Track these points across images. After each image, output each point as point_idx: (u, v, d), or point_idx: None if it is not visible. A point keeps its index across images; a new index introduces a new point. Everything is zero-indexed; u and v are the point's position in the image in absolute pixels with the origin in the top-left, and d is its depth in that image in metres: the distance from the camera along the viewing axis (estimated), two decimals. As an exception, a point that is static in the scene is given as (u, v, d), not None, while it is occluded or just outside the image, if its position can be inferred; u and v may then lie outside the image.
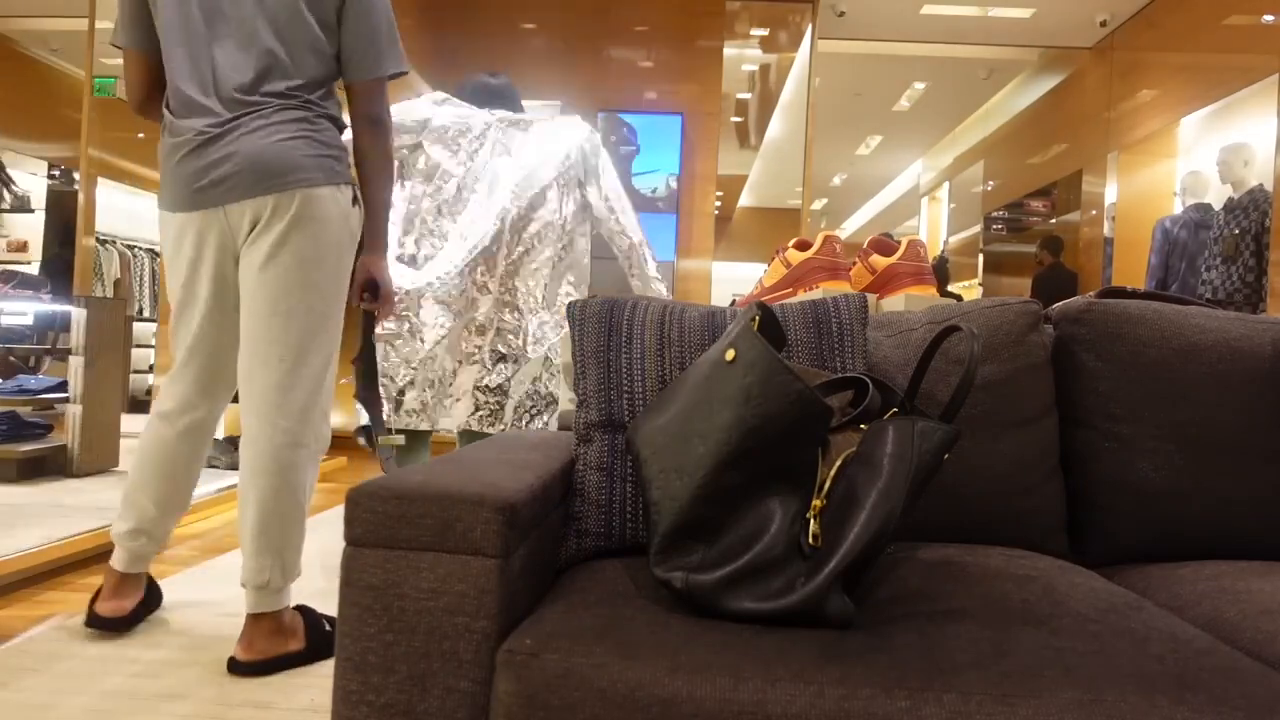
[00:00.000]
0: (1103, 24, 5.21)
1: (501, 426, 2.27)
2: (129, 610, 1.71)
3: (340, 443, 4.89)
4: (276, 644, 1.58)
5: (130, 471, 1.72)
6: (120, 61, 1.65)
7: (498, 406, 2.28)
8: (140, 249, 2.97)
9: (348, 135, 1.70)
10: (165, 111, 1.62)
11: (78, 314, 2.95)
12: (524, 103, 2.42)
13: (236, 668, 1.55)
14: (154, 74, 1.64)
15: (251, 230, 1.56)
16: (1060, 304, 1.31)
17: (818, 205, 10.64)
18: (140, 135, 2.82)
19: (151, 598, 1.80)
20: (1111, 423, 1.20)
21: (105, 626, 1.68)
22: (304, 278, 1.57)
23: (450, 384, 2.30)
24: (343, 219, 1.62)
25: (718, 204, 5.15)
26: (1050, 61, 5.91)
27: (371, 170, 1.69)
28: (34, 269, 2.82)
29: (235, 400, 1.69)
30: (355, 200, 1.66)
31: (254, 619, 1.57)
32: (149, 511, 1.69)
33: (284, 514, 1.56)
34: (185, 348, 1.66)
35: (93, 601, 1.72)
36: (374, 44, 1.63)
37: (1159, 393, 1.19)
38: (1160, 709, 0.67)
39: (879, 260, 1.68)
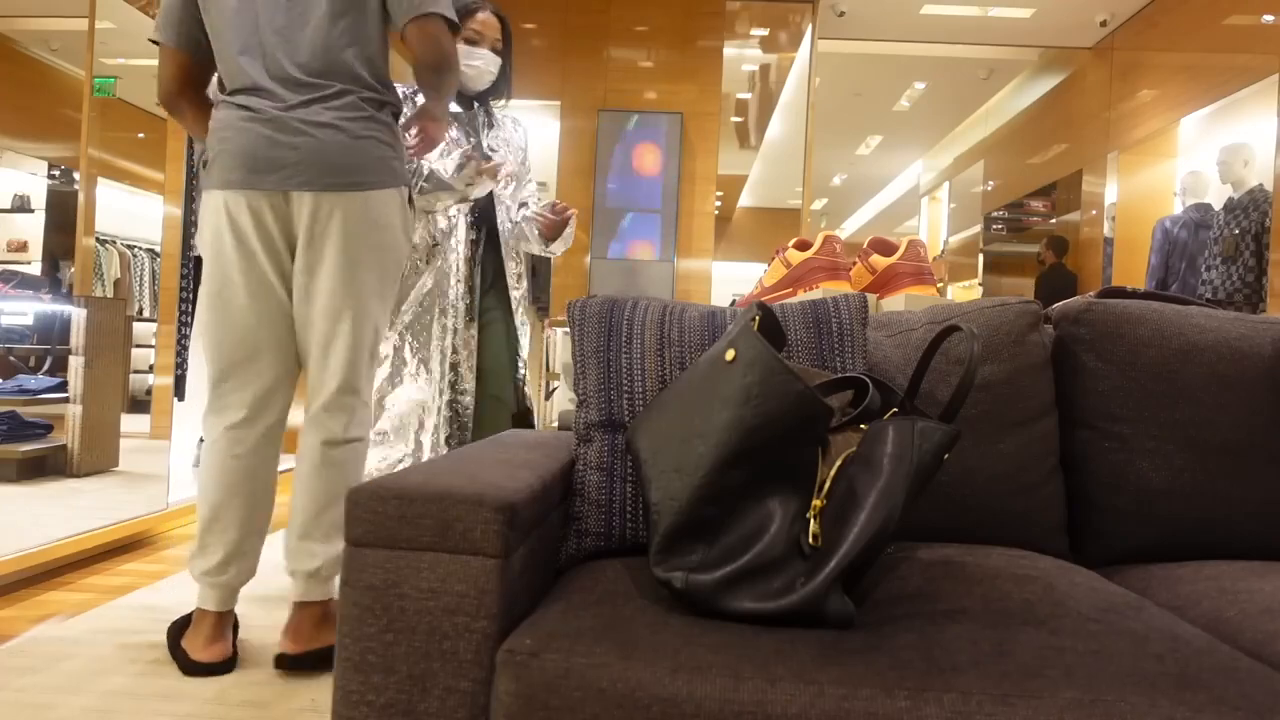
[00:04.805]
0: (1103, 24, 5.21)
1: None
2: (232, 650, 1.59)
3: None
4: (325, 633, 1.55)
5: (202, 502, 1.59)
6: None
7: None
8: (140, 249, 2.98)
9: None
10: (218, 90, 1.59)
11: (78, 314, 2.95)
12: (524, 102, 2.42)
13: (287, 663, 1.52)
14: (189, 73, 1.62)
15: (309, 224, 1.53)
16: (1060, 304, 1.31)
17: (818, 205, 10.63)
18: (140, 135, 2.81)
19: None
20: (1111, 423, 1.20)
21: (214, 672, 1.55)
22: (362, 280, 1.56)
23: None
24: (400, 221, 1.62)
25: (718, 204, 5.15)
26: (1050, 61, 5.91)
27: (434, 98, 1.64)
28: (34, 269, 2.82)
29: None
30: (410, 201, 1.67)
31: (301, 607, 1.56)
32: (235, 539, 1.58)
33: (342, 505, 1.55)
34: (246, 345, 1.57)
35: (178, 648, 1.58)
36: None
37: (1159, 393, 1.19)
38: (1160, 709, 0.67)
39: (879, 260, 1.68)
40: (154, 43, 1.63)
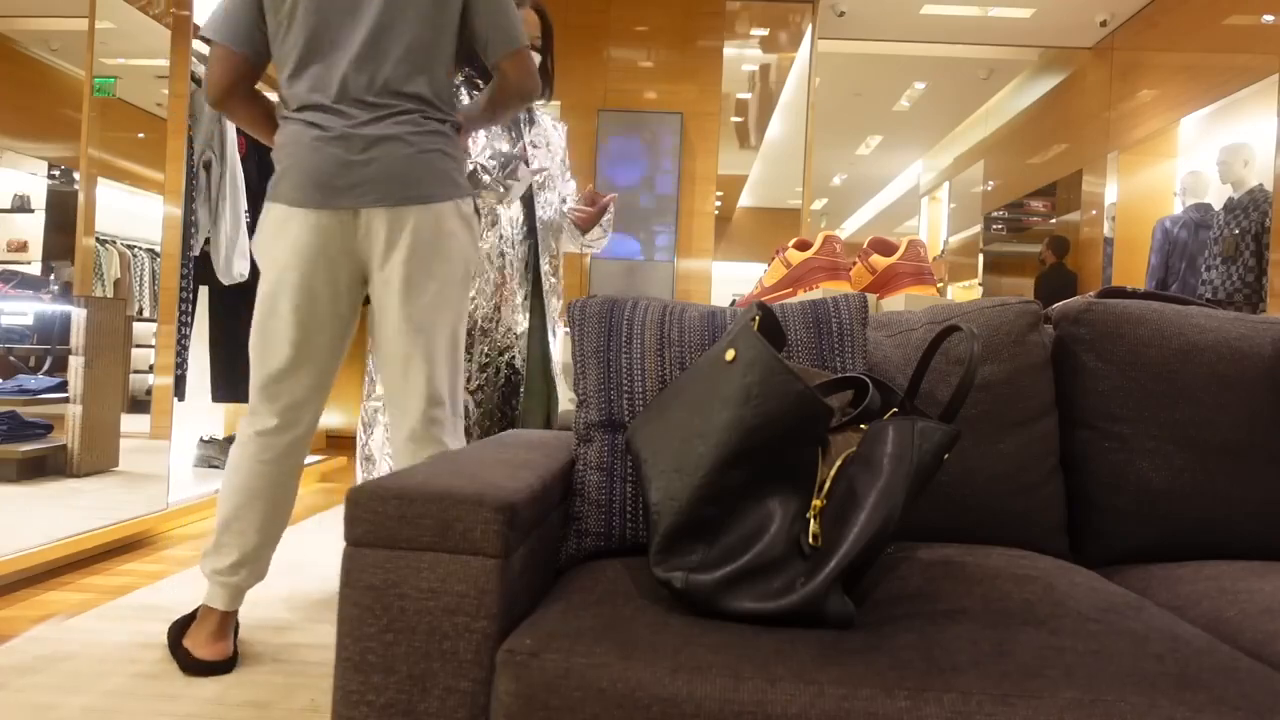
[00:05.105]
0: (1103, 24, 5.21)
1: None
2: (232, 650, 1.61)
3: (340, 443, 4.89)
4: None
5: (223, 501, 1.61)
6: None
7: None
8: (140, 249, 2.98)
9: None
10: (281, 105, 1.59)
11: (78, 314, 2.95)
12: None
13: None
14: (243, 73, 1.61)
15: (383, 240, 1.54)
16: (1060, 304, 1.31)
17: (818, 205, 10.63)
18: (140, 135, 2.82)
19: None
20: (1111, 423, 1.20)
21: (214, 671, 1.57)
22: (438, 293, 1.57)
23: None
24: (469, 231, 1.64)
25: (718, 204, 5.15)
26: (1050, 61, 5.91)
27: (491, 118, 1.74)
28: (34, 269, 2.82)
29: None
30: (477, 210, 1.67)
31: None
32: (251, 541, 1.60)
33: None
34: (287, 357, 1.58)
35: (179, 647, 1.59)
36: (506, 17, 1.62)
37: (1159, 393, 1.19)
38: (1160, 709, 0.67)
39: (879, 260, 1.68)
40: (206, 40, 1.60)
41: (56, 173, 2.74)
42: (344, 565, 0.81)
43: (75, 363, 2.98)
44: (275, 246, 1.56)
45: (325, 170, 1.52)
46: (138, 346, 3.03)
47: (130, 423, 2.98)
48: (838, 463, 0.86)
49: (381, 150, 1.53)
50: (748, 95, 6.62)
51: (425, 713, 0.78)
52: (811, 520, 0.84)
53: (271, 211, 1.57)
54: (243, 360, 3.44)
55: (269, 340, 1.59)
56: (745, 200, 9.63)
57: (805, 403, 0.84)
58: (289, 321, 1.57)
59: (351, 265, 1.58)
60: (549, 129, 2.33)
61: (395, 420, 1.63)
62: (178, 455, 3.41)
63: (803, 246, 1.67)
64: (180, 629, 1.63)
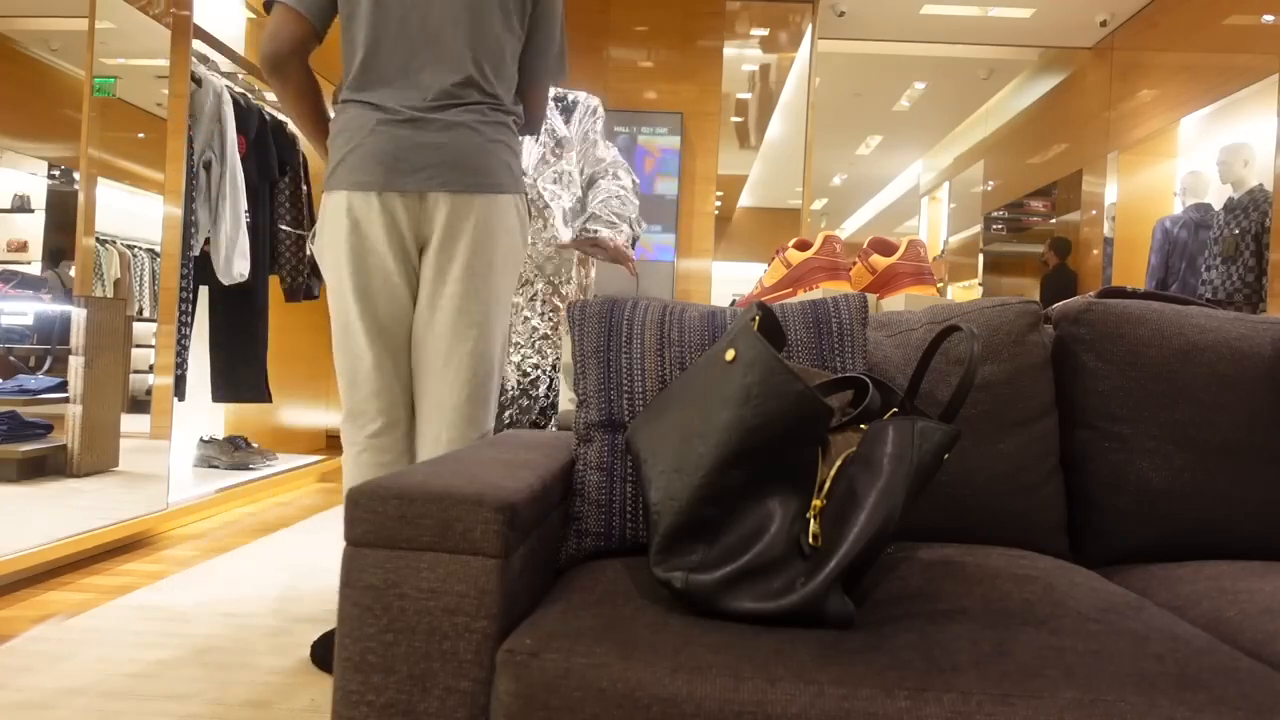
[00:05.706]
0: (1103, 24, 5.22)
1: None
2: None
3: (339, 443, 4.89)
4: None
5: None
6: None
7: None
8: (140, 249, 2.98)
9: None
10: (347, 88, 1.56)
11: (78, 314, 2.95)
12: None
13: None
14: (306, 41, 1.55)
15: (445, 225, 1.51)
16: (1060, 304, 1.31)
17: (818, 205, 10.64)
18: (140, 135, 2.82)
19: None
20: (1111, 423, 1.20)
21: None
22: (494, 287, 1.56)
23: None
24: (522, 228, 1.63)
25: (718, 204, 5.15)
26: (1050, 61, 5.91)
27: None
28: (34, 269, 2.82)
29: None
30: (529, 210, 1.67)
31: None
32: None
33: None
34: (376, 354, 1.56)
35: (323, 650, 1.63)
36: (551, 50, 1.64)
37: (1159, 393, 1.19)
38: (1160, 709, 0.67)
39: (879, 260, 1.68)
40: (267, 6, 1.56)
41: (56, 173, 2.74)
42: (344, 565, 0.81)
43: (75, 363, 2.98)
44: (339, 237, 1.52)
45: (390, 151, 1.49)
46: (138, 346, 3.03)
47: (130, 423, 2.98)
48: (838, 463, 0.86)
49: (450, 136, 1.51)
50: (748, 95, 6.62)
51: (425, 713, 0.78)
52: (811, 520, 0.84)
53: (331, 200, 1.53)
54: (242, 361, 3.44)
55: (354, 340, 1.55)
56: (745, 200, 9.64)
57: (805, 403, 0.84)
58: (367, 314, 1.54)
59: (414, 248, 1.55)
60: (550, 114, 2.27)
61: (428, 415, 1.58)
62: (178, 455, 3.41)
63: (803, 246, 1.67)
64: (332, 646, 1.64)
